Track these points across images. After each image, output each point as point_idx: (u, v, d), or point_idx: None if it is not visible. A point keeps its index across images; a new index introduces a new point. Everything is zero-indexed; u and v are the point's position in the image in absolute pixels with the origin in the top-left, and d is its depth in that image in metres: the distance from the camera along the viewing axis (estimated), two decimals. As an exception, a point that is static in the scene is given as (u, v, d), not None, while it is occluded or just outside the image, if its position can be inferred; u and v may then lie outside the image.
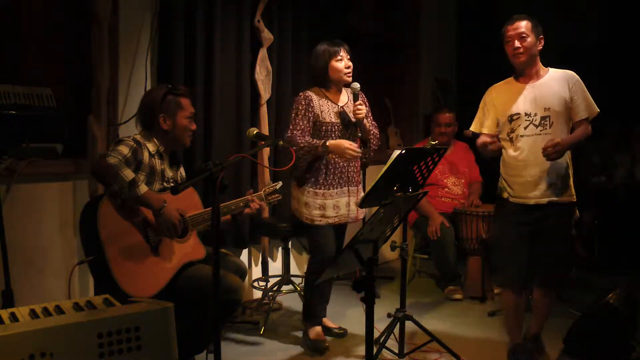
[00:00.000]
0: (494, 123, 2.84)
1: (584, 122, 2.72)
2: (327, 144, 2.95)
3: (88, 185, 3.01)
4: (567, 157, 2.75)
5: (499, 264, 2.99)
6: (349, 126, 3.08)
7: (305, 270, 3.46)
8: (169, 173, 2.69)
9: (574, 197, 2.79)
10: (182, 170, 2.83)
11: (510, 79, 2.86)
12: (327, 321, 3.30)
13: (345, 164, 3.09)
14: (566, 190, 2.75)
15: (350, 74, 3.08)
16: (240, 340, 3.26)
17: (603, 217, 4.58)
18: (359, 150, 2.96)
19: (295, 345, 3.21)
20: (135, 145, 2.49)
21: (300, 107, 3.03)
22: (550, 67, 2.80)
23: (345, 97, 3.15)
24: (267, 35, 3.78)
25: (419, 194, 2.44)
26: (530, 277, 2.88)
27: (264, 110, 3.85)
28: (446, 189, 4.35)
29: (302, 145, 2.95)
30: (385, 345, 2.94)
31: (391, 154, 2.60)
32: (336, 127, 3.04)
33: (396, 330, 2.99)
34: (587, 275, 4.36)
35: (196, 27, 3.40)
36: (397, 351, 2.98)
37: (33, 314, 1.78)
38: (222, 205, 2.60)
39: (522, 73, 2.78)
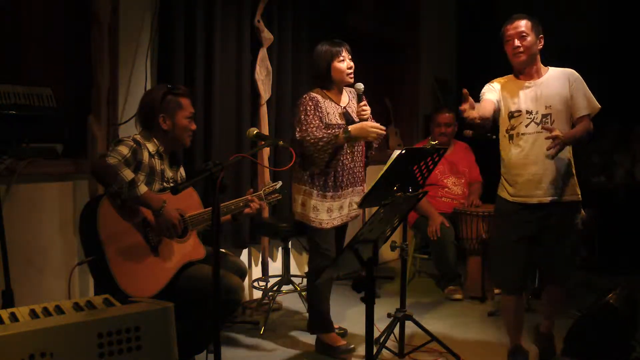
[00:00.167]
0: (494, 99, 2.77)
1: (584, 118, 2.68)
2: (349, 128, 2.86)
3: (88, 185, 3.01)
4: (569, 154, 2.72)
5: (497, 265, 2.95)
6: None
7: (306, 273, 3.46)
8: (169, 173, 2.69)
9: (579, 195, 2.74)
10: (182, 170, 2.83)
11: (510, 76, 2.83)
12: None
13: (352, 165, 3.05)
14: (570, 188, 2.72)
15: (353, 75, 3.04)
16: (240, 340, 3.26)
17: (603, 217, 4.58)
18: (383, 127, 2.88)
19: (295, 345, 3.21)
20: (134, 145, 2.49)
21: (308, 107, 2.94)
22: (550, 66, 2.79)
23: (346, 97, 3.12)
24: (267, 35, 3.78)
25: (419, 194, 2.44)
26: (529, 279, 2.88)
27: (264, 110, 3.85)
28: (446, 189, 4.35)
29: (320, 136, 2.85)
30: (385, 345, 2.94)
31: (391, 154, 2.61)
32: (342, 128, 2.95)
33: (396, 330, 2.99)
34: (587, 275, 4.36)
35: (196, 27, 3.40)
36: (397, 351, 2.98)
37: (33, 314, 1.78)
38: (222, 205, 2.60)
39: (522, 72, 2.76)
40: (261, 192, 2.88)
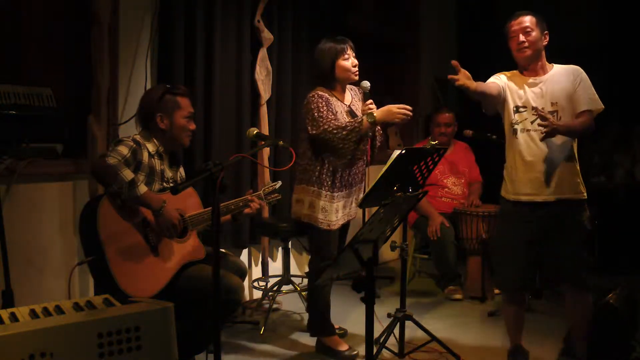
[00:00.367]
0: (500, 85, 2.71)
1: (585, 114, 2.60)
2: (374, 113, 2.76)
3: (88, 185, 3.02)
4: (573, 152, 2.66)
5: (498, 265, 2.91)
6: None
7: (306, 273, 3.46)
8: (169, 173, 2.69)
9: (584, 193, 2.69)
10: (181, 171, 2.83)
11: (515, 71, 2.77)
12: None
13: (359, 164, 3.01)
14: (576, 187, 2.67)
15: (357, 72, 2.97)
16: (240, 340, 3.26)
17: (603, 217, 4.58)
18: (409, 107, 2.78)
19: (295, 345, 3.21)
20: (134, 145, 2.49)
21: (320, 103, 2.85)
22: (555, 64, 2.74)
23: (349, 95, 3.07)
24: (267, 35, 3.78)
25: (419, 194, 2.44)
26: (531, 279, 2.81)
27: (264, 110, 3.85)
28: (446, 189, 4.35)
29: (344, 125, 2.77)
30: (385, 345, 2.94)
31: (391, 154, 2.60)
32: (366, 114, 2.82)
33: (396, 330, 2.99)
34: (587, 275, 4.36)
35: (196, 27, 3.40)
36: (397, 351, 2.98)
37: (33, 314, 1.78)
38: (222, 205, 2.60)
39: (527, 68, 2.70)
40: (261, 192, 2.88)
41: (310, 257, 3.14)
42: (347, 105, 3.02)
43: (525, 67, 2.71)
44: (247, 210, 2.76)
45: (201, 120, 3.46)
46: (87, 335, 1.64)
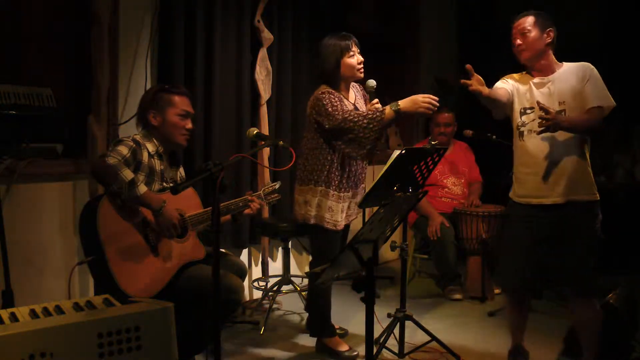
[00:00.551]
0: (508, 89, 2.66)
1: (593, 110, 2.50)
2: (399, 102, 2.66)
3: (88, 185, 3.02)
4: (583, 151, 2.58)
5: (503, 267, 2.83)
6: None
7: (306, 273, 3.45)
8: (169, 173, 2.69)
9: (596, 195, 2.59)
10: (181, 171, 2.83)
11: (524, 72, 2.71)
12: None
13: (361, 164, 2.99)
14: (586, 188, 2.57)
15: (363, 69, 2.91)
16: (240, 340, 3.26)
17: (603, 217, 4.57)
18: (435, 97, 2.69)
19: (295, 345, 3.21)
20: (134, 145, 2.49)
21: (333, 99, 2.79)
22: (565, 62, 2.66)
23: (352, 93, 3.03)
24: (267, 35, 3.78)
25: (419, 194, 2.43)
26: (537, 282, 2.73)
27: (264, 110, 3.85)
28: (446, 189, 4.35)
29: (365, 113, 2.70)
30: (385, 345, 2.94)
31: (391, 154, 2.60)
32: (390, 103, 2.74)
33: (396, 330, 2.99)
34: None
35: (196, 27, 3.40)
36: (397, 351, 2.98)
37: (33, 314, 1.78)
38: (221, 205, 2.59)
39: (534, 68, 2.64)
40: (261, 192, 2.88)
41: (311, 258, 3.12)
42: (352, 103, 2.98)
43: (532, 67, 2.66)
44: (247, 211, 2.76)
45: (201, 120, 3.46)
46: (87, 335, 1.64)
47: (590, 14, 5.49)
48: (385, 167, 2.57)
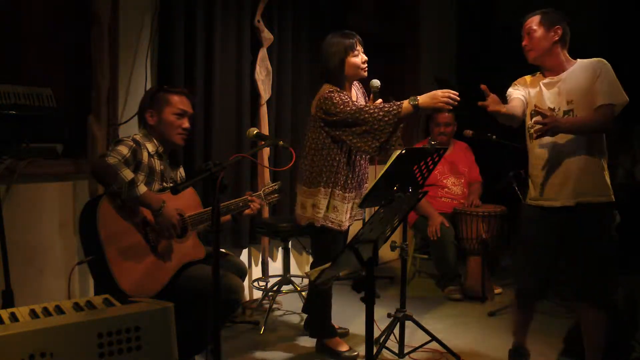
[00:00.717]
0: (522, 97, 2.61)
1: (602, 108, 2.41)
2: (417, 97, 2.62)
3: (88, 185, 3.02)
4: (593, 152, 2.48)
5: (516, 271, 2.80)
6: None
7: (306, 274, 3.44)
8: (169, 173, 2.69)
9: (610, 196, 2.50)
10: (181, 170, 2.83)
11: (537, 73, 2.65)
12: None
13: (365, 164, 2.97)
14: (598, 189, 2.48)
15: (367, 68, 2.88)
16: (240, 340, 3.26)
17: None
18: (455, 92, 2.62)
19: (295, 345, 3.21)
20: (134, 145, 2.49)
21: (342, 96, 2.74)
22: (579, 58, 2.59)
23: (354, 92, 3.00)
24: (267, 35, 3.78)
25: (419, 194, 2.43)
26: (547, 284, 2.67)
27: (264, 110, 3.85)
28: (446, 189, 4.35)
29: (380, 106, 2.64)
30: (385, 345, 2.94)
31: (391, 154, 2.60)
32: (409, 97, 2.70)
33: (396, 330, 2.99)
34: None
35: (196, 27, 3.40)
36: (397, 351, 2.98)
37: (33, 314, 1.78)
38: (222, 205, 2.59)
39: (545, 67, 2.59)
40: (261, 192, 2.88)
41: (313, 259, 3.11)
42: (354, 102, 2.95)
43: (543, 67, 2.60)
44: (247, 212, 2.76)
45: (201, 120, 3.46)
46: (87, 335, 1.64)
47: (590, 14, 5.49)
48: (385, 167, 2.57)
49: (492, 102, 2.47)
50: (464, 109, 2.79)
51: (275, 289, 3.70)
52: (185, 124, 2.65)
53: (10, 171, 2.69)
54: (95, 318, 1.68)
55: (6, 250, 2.50)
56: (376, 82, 2.88)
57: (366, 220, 3.01)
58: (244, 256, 3.93)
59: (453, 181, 4.38)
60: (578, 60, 2.57)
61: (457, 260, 4.09)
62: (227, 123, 3.65)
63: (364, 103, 3.02)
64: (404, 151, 2.55)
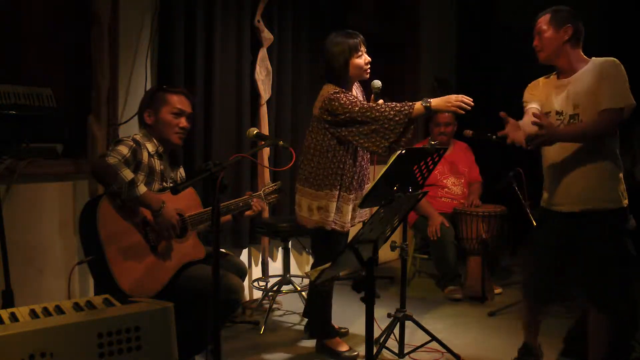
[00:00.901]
0: (538, 107, 2.53)
1: (606, 112, 2.33)
2: (430, 99, 2.59)
3: (88, 185, 3.02)
4: (598, 158, 2.42)
5: (526, 274, 2.79)
6: None
7: (306, 273, 3.44)
8: (169, 173, 2.69)
9: (621, 202, 2.42)
10: (181, 171, 2.83)
11: (552, 74, 2.59)
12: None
13: (366, 165, 2.97)
14: (604, 196, 2.41)
15: (369, 69, 2.86)
16: (240, 340, 3.26)
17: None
18: (470, 98, 2.58)
19: (295, 345, 3.21)
20: (134, 145, 2.49)
21: (349, 96, 2.73)
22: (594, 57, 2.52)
23: (354, 93, 2.97)
24: (267, 35, 3.78)
25: (419, 194, 2.43)
26: (556, 286, 2.64)
27: (264, 110, 3.85)
28: (446, 189, 4.35)
29: (392, 105, 2.61)
30: (385, 345, 2.94)
31: (392, 154, 2.60)
32: (422, 99, 2.67)
33: (396, 330, 2.99)
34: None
35: (196, 27, 3.40)
36: (397, 351, 2.98)
37: (33, 314, 1.78)
38: (222, 205, 2.59)
39: (557, 68, 2.52)
40: (261, 192, 2.88)
41: (314, 260, 3.11)
42: None
43: (555, 68, 2.54)
44: (248, 212, 2.77)
45: (201, 120, 3.46)
46: (87, 335, 1.64)
47: (590, 14, 5.49)
48: (386, 167, 2.57)
49: (511, 129, 2.38)
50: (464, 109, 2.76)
51: (275, 289, 3.70)
52: (183, 123, 2.65)
53: (10, 171, 2.69)
54: (95, 318, 1.68)
55: (6, 250, 2.49)
56: (377, 83, 2.86)
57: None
58: (244, 256, 3.93)
59: (453, 181, 4.38)
60: (592, 59, 2.48)
61: (457, 260, 4.09)
62: (227, 123, 3.65)
63: None
64: (404, 151, 2.55)
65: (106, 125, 3.03)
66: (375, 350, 2.84)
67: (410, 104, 2.65)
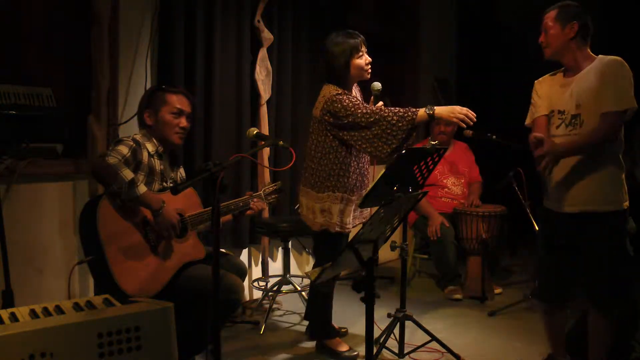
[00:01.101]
0: (547, 113, 2.50)
1: (607, 115, 2.29)
2: (434, 107, 2.59)
3: (88, 185, 3.02)
4: (597, 161, 2.39)
5: (538, 275, 2.77)
6: None
7: (306, 274, 3.43)
8: (169, 173, 2.69)
9: (620, 204, 2.39)
10: (181, 171, 2.83)
11: (559, 71, 2.55)
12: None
13: (366, 166, 2.95)
14: (604, 198, 2.38)
15: (370, 70, 2.85)
16: (240, 340, 3.26)
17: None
18: (473, 113, 2.58)
19: (295, 345, 3.21)
20: (134, 145, 2.49)
21: (352, 98, 2.70)
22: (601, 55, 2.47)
23: (354, 93, 2.97)
24: (267, 35, 3.78)
25: (419, 194, 2.43)
26: (563, 287, 2.60)
27: (264, 110, 3.85)
28: (446, 189, 4.35)
29: (395, 111, 2.60)
30: (385, 345, 2.94)
31: (393, 154, 2.60)
32: (426, 106, 2.68)
33: (396, 330, 2.99)
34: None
35: (196, 27, 3.40)
36: (397, 351, 2.98)
37: (33, 314, 1.78)
38: (222, 205, 2.59)
39: (563, 66, 2.48)
40: (261, 192, 2.88)
41: (315, 261, 3.10)
42: None
43: (562, 65, 2.50)
44: (249, 212, 2.77)
45: (201, 120, 3.46)
46: (87, 335, 1.64)
47: (590, 14, 5.49)
48: (385, 167, 2.57)
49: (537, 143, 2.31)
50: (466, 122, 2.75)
51: (275, 289, 3.70)
52: (183, 123, 2.65)
53: (10, 171, 2.69)
54: (95, 318, 1.68)
55: (6, 250, 2.49)
56: (377, 85, 2.85)
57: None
58: (244, 256, 3.93)
59: (453, 181, 4.38)
60: (599, 57, 2.44)
61: (457, 260, 4.09)
62: (227, 123, 3.65)
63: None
64: (404, 151, 2.55)
65: (106, 125, 3.03)
66: (375, 350, 2.84)
67: (414, 110, 2.63)
